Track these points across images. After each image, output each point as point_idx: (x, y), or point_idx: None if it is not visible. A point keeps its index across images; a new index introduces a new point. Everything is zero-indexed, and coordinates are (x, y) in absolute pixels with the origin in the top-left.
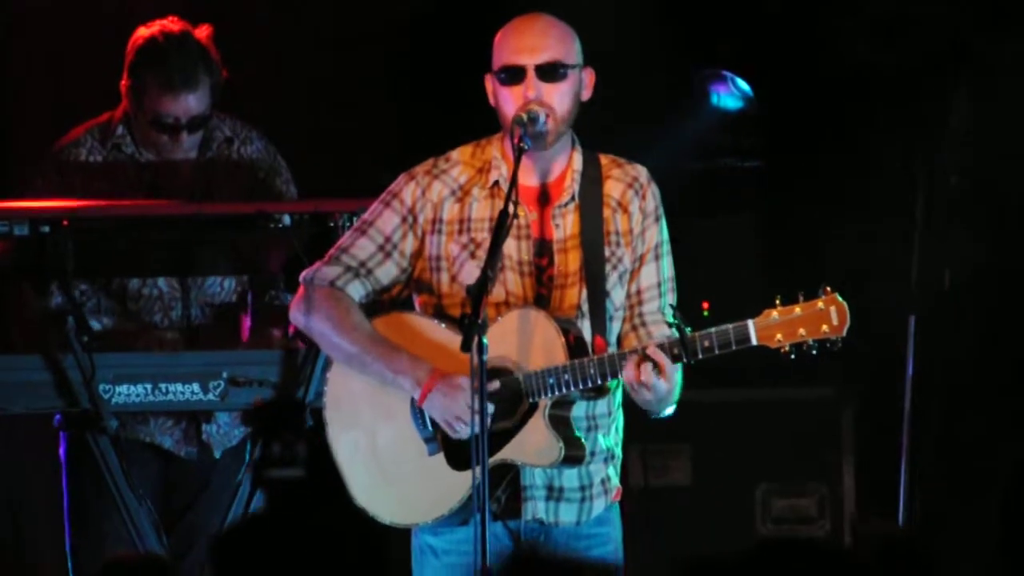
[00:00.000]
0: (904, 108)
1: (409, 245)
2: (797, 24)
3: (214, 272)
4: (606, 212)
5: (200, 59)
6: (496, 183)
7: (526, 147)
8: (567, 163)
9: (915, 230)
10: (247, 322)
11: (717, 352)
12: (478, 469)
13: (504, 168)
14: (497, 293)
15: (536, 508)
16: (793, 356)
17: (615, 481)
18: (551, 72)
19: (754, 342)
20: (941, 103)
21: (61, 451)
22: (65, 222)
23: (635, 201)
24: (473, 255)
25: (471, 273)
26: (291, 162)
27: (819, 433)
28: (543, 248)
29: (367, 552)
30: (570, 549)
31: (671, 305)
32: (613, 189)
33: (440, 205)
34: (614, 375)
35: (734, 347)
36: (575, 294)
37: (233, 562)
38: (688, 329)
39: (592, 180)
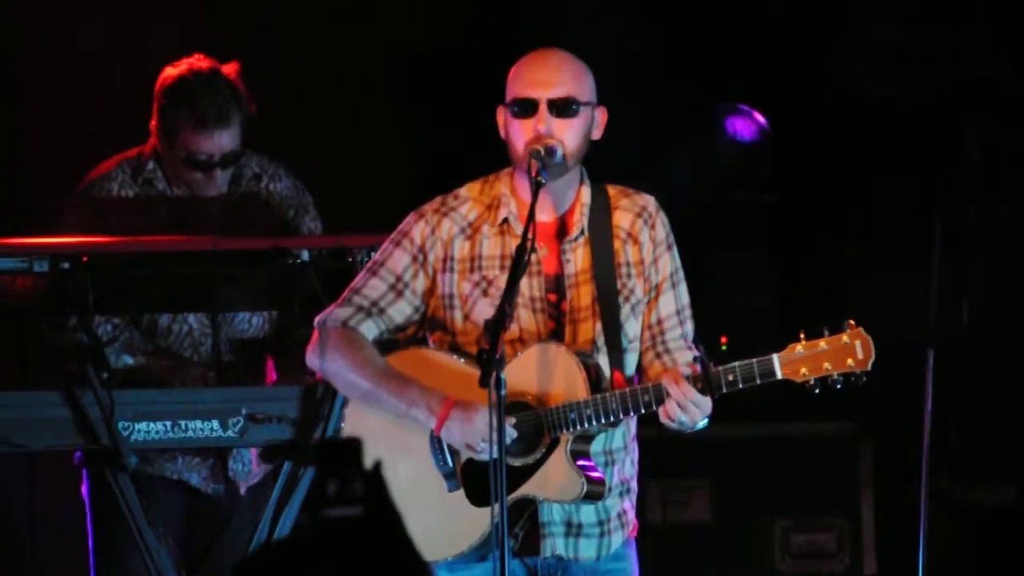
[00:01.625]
0: (920, 140)
1: (420, 284)
2: (809, 58)
3: (234, 308)
4: (616, 244)
5: (231, 96)
6: (506, 220)
7: (544, 181)
8: (575, 198)
9: (933, 263)
10: (271, 361)
11: (741, 386)
12: (497, 505)
13: (513, 205)
14: (511, 331)
15: (555, 544)
16: (818, 391)
17: (632, 515)
18: (564, 107)
19: (779, 376)
20: (956, 135)
21: (84, 489)
22: (85, 258)
23: (645, 231)
24: (485, 293)
25: (483, 311)
26: (313, 198)
27: (838, 468)
28: (555, 283)
29: None
30: None
31: (692, 338)
32: (622, 220)
33: (450, 243)
34: (636, 409)
35: (759, 381)
36: (589, 328)
37: None
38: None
39: (601, 212)
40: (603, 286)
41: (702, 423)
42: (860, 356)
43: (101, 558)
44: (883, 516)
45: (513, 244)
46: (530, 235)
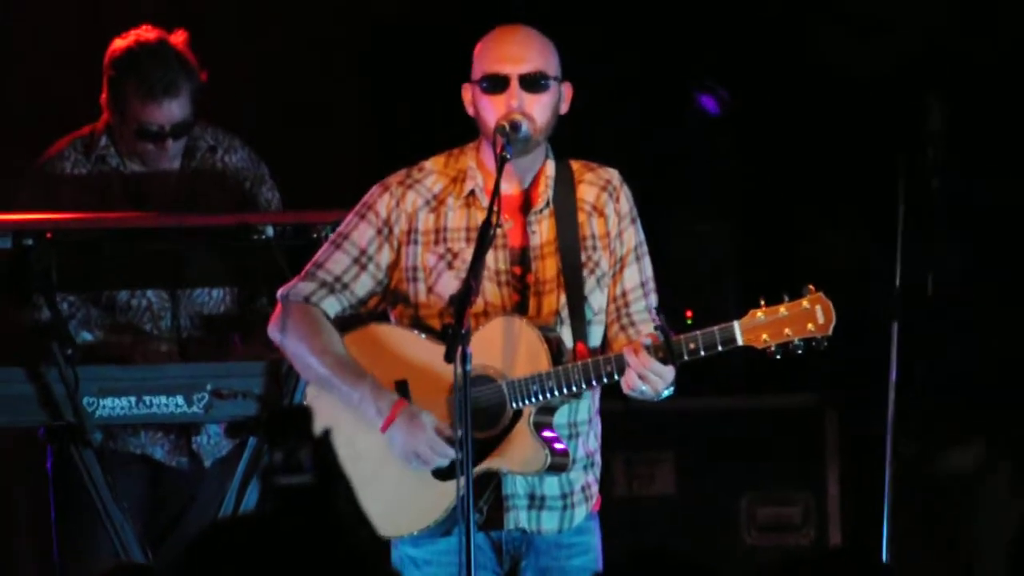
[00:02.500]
0: (884, 111)
1: (385, 257)
2: (774, 28)
3: (199, 283)
4: (581, 217)
5: (179, 65)
6: (472, 192)
7: (508, 156)
8: (540, 170)
9: (897, 235)
10: (236, 336)
11: (703, 354)
12: (463, 481)
13: (480, 177)
14: (475, 304)
15: (519, 517)
16: (779, 356)
17: (596, 488)
18: (534, 82)
19: (740, 342)
20: (920, 105)
21: (48, 464)
22: (48, 235)
23: (609, 204)
24: (450, 265)
25: (448, 283)
26: (270, 172)
27: (803, 441)
28: (520, 256)
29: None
30: (551, 558)
31: (655, 307)
32: (587, 193)
33: (415, 215)
34: (599, 380)
35: (720, 348)
36: (553, 301)
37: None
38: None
39: (565, 185)
40: (568, 258)
41: (666, 392)
42: (821, 321)
43: (65, 534)
44: (848, 489)
45: (479, 216)
46: (495, 209)
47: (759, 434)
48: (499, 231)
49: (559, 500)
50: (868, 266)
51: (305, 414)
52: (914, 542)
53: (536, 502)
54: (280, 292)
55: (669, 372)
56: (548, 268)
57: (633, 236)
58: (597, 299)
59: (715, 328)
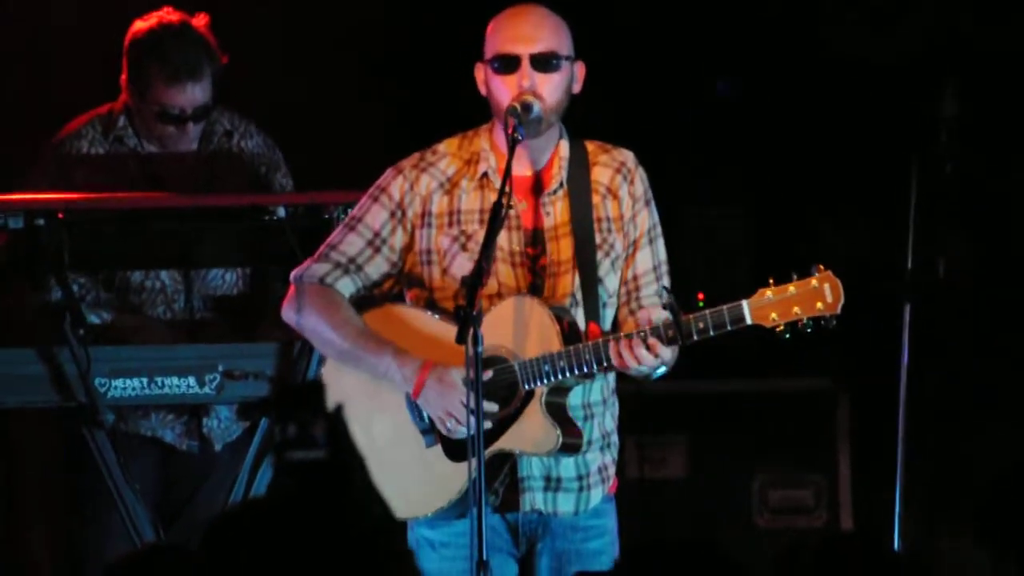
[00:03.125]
0: (898, 97)
1: (398, 240)
2: (789, 15)
3: (211, 264)
4: (595, 199)
5: (202, 48)
6: (485, 174)
7: (520, 138)
8: (555, 151)
9: (909, 219)
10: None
11: (712, 333)
12: (475, 462)
13: (493, 159)
14: (490, 285)
15: (534, 499)
16: (788, 335)
17: (612, 470)
18: (546, 62)
19: (749, 322)
20: (934, 92)
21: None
22: (60, 214)
23: (624, 186)
24: (464, 247)
25: (462, 266)
26: (284, 154)
27: (815, 423)
28: (534, 237)
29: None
30: (567, 541)
31: (664, 287)
32: (601, 175)
33: (429, 198)
34: (609, 360)
35: (729, 328)
36: (568, 282)
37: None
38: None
39: (579, 167)
40: (581, 240)
41: (660, 371)
42: (829, 299)
43: (76, 514)
44: (860, 471)
45: (492, 198)
46: (507, 190)
47: (771, 417)
48: (513, 212)
49: (575, 482)
50: (881, 250)
51: (317, 389)
52: (926, 524)
53: (552, 483)
54: (293, 274)
55: (667, 352)
56: (563, 249)
57: (647, 219)
58: (612, 281)
59: (724, 307)
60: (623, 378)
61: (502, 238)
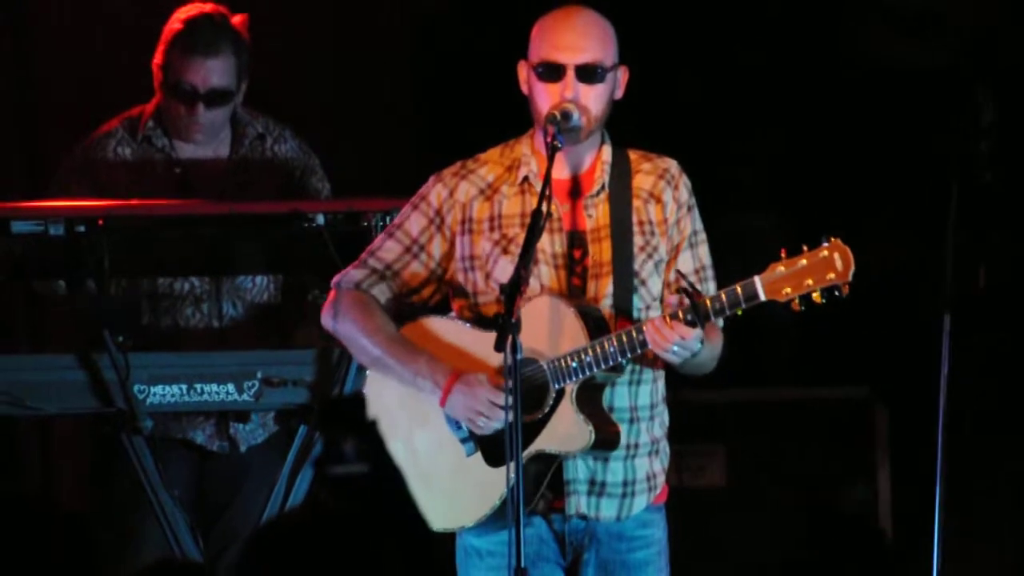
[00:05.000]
0: (937, 105)
1: (437, 247)
2: (824, 22)
3: (248, 271)
4: (636, 203)
5: (228, 33)
6: (526, 178)
7: (560, 145)
8: (597, 155)
9: (949, 227)
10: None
11: (728, 312)
12: (512, 467)
13: (534, 163)
14: (532, 287)
15: (579, 503)
16: (803, 308)
17: (662, 479)
18: (591, 74)
19: (762, 298)
20: (973, 99)
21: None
22: (100, 221)
23: (668, 191)
24: (505, 251)
25: (504, 269)
26: (322, 161)
27: (854, 433)
28: (576, 239)
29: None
30: (612, 551)
31: (678, 270)
32: (644, 182)
33: (469, 205)
34: (632, 349)
35: (744, 305)
36: (607, 284)
37: (267, 559)
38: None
39: (622, 172)
40: (620, 241)
41: (698, 347)
42: (840, 268)
43: (110, 525)
44: (900, 482)
45: (533, 202)
46: (548, 194)
47: (810, 426)
48: (555, 215)
49: (619, 487)
50: (921, 260)
51: (357, 403)
52: (967, 536)
53: (596, 487)
54: (335, 280)
55: (694, 336)
56: (604, 251)
57: (689, 224)
58: (655, 284)
59: (737, 285)
60: (672, 378)
61: (544, 241)
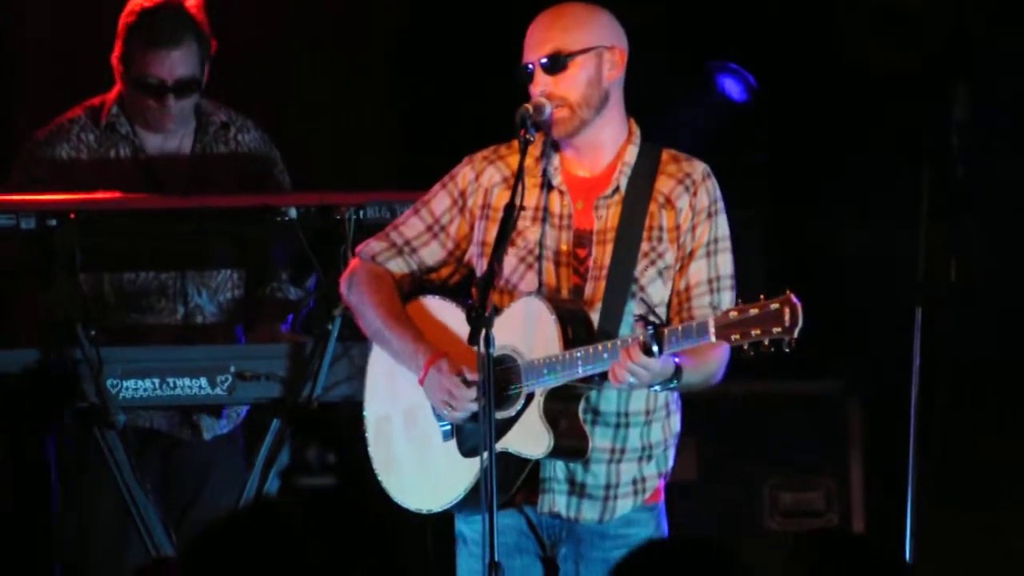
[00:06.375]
0: (908, 100)
1: (456, 227)
2: (798, 19)
3: (220, 265)
4: (652, 207)
5: (186, 21)
6: (544, 172)
7: (531, 139)
8: (617, 155)
9: (921, 221)
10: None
11: (681, 345)
12: (485, 461)
13: (556, 160)
14: (530, 282)
15: (554, 501)
16: (752, 353)
17: (653, 483)
18: (553, 64)
19: (712, 339)
20: (945, 95)
21: (51, 451)
22: (72, 215)
23: (684, 197)
24: (512, 243)
25: (508, 261)
26: (293, 154)
27: (826, 426)
28: (583, 238)
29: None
30: (593, 547)
31: (643, 299)
32: (664, 184)
33: (491, 191)
34: (599, 364)
35: (695, 339)
36: (603, 287)
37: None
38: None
39: (645, 174)
40: (622, 246)
41: (657, 387)
42: (787, 323)
43: (83, 520)
44: (872, 475)
45: (549, 197)
46: (520, 191)
47: (782, 420)
48: (565, 212)
49: (601, 490)
50: (893, 254)
51: (327, 414)
52: (939, 530)
53: (576, 488)
54: (357, 248)
55: (655, 364)
56: (606, 254)
57: (708, 231)
58: (658, 290)
59: (693, 323)
60: None
61: (550, 237)
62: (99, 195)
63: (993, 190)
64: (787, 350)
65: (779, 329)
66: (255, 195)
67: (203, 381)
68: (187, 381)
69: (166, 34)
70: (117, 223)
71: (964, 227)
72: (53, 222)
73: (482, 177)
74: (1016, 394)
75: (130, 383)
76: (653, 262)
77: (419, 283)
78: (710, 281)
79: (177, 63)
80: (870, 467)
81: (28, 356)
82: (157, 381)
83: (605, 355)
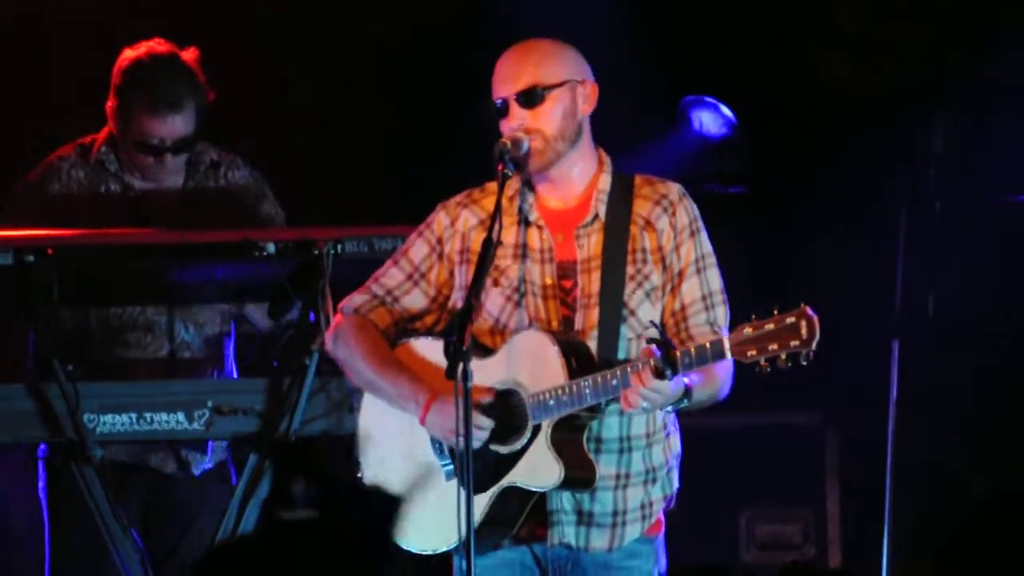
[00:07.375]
0: (887, 133)
1: (436, 274)
2: (777, 50)
3: (200, 299)
4: (633, 230)
5: (187, 81)
6: (520, 210)
7: (510, 174)
8: (590, 184)
9: (899, 255)
10: (231, 350)
11: (696, 366)
12: (464, 496)
13: (530, 196)
14: (520, 319)
15: (564, 533)
16: (770, 369)
17: (659, 507)
18: (529, 98)
19: (728, 357)
20: (924, 128)
21: (40, 485)
22: (50, 251)
23: (664, 218)
24: (496, 282)
25: (495, 301)
26: (275, 189)
27: (803, 458)
28: (566, 270)
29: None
30: None
31: (652, 322)
32: (642, 207)
33: (468, 235)
34: (607, 392)
35: (711, 361)
36: (595, 315)
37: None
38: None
39: (622, 199)
40: (609, 272)
41: (669, 408)
42: (804, 336)
43: (63, 555)
44: (849, 507)
45: (528, 233)
46: (497, 227)
47: (759, 451)
48: (546, 246)
49: (609, 517)
50: (871, 287)
51: (307, 448)
52: (916, 564)
53: (584, 518)
54: (340, 305)
55: (667, 387)
56: (593, 282)
57: (693, 249)
58: (647, 312)
59: (707, 342)
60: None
61: (534, 272)
62: (76, 231)
63: (970, 224)
64: (804, 363)
65: (797, 342)
66: (235, 230)
67: (181, 415)
68: (164, 416)
69: (167, 99)
70: (96, 258)
71: (941, 263)
72: (31, 258)
73: (457, 222)
74: (987, 426)
75: (107, 418)
76: (640, 284)
77: (404, 332)
78: (704, 298)
79: (178, 126)
80: (847, 499)
81: (6, 391)
82: (135, 416)
83: (614, 382)
